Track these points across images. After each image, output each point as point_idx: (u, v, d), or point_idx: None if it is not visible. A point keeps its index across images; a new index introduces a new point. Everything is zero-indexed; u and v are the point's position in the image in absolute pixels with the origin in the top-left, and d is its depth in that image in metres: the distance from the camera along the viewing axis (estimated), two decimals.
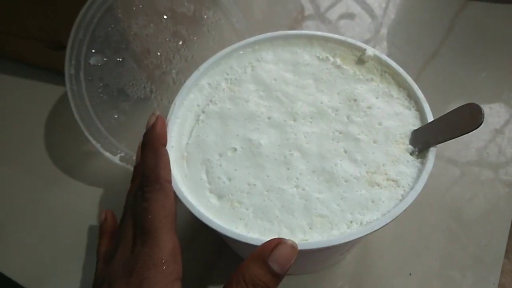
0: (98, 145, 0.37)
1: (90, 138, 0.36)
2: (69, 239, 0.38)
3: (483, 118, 0.25)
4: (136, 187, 0.29)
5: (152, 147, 0.28)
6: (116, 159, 0.37)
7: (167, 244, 0.25)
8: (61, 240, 0.39)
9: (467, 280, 0.35)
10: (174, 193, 0.27)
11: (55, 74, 0.48)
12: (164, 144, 0.29)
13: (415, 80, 0.32)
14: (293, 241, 0.23)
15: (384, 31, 0.55)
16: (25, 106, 0.48)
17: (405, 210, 0.25)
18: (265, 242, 0.24)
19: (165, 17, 0.37)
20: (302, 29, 0.56)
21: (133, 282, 0.24)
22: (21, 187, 0.42)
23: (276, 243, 0.23)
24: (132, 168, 0.38)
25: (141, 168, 0.28)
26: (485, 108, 0.46)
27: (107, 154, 0.37)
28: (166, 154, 0.28)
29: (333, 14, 0.57)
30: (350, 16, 0.57)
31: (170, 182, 0.27)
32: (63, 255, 0.38)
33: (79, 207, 0.40)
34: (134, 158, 0.38)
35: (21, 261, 0.38)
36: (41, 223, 0.40)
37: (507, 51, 0.52)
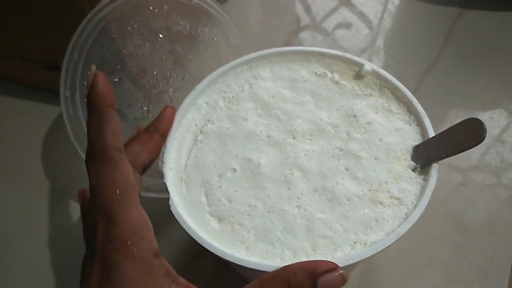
0: None
1: None
2: (69, 257, 0.38)
3: (486, 133, 0.25)
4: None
5: (95, 110, 0.24)
6: None
7: (129, 223, 0.22)
8: (61, 259, 0.38)
9: None
10: (126, 162, 0.23)
11: (51, 94, 0.48)
12: (110, 105, 0.25)
13: (414, 91, 0.31)
14: (346, 274, 0.22)
15: (380, 41, 0.55)
16: (22, 126, 0.48)
17: (409, 229, 0.25)
18: (322, 260, 0.23)
19: (160, 36, 0.37)
20: (298, 40, 0.55)
21: (103, 274, 0.21)
22: (19, 207, 0.42)
23: (331, 268, 0.22)
24: None
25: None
26: (486, 117, 0.46)
27: None
28: (114, 117, 0.24)
29: (329, 24, 0.57)
30: (346, 25, 0.57)
31: (120, 150, 0.23)
32: (64, 273, 0.37)
33: (78, 225, 0.39)
34: None
35: (21, 281, 0.37)
36: (40, 242, 0.39)
37: (505, 59, 0.52)
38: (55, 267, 0.38)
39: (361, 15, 0.58)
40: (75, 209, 0.41)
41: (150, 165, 0.29)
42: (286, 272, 0.22)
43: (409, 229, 0.25)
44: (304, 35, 0.56)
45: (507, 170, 0.42)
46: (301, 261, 0.23)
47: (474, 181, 0.41)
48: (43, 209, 0.41)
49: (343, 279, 0.22)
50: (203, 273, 0.36)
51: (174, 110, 0.30)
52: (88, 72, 0.25)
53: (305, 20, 0.58)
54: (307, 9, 0.59)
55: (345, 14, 0.58)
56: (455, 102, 0.48)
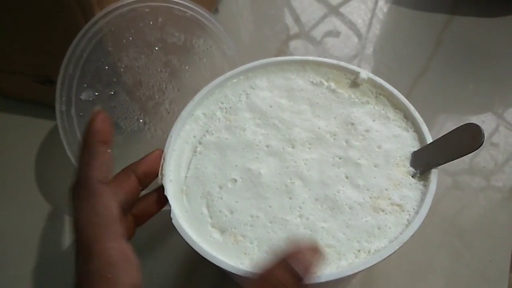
0: None
1: None
2: (67, 276, 0.37)
3: (483, 138, 0.25)
4: None
5: (86, 144, 0.25)
6: None
7: (106, 256, 0.21)
8: (59, 278, 0.37)
9: None
10: (109, 195, 0.24)
11: (43, 108, 0.47)
12: (103, 142, 0.25)
13: (406, 97, 0.32)
14: (315, 244, 0.22)
15: (370, 48, 0.55)
16: (14, 142, 0.47)
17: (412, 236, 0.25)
18: (289, 246, 0.22)
19: (156, 48, 0.37)
20: (289, 49, 0.56)
21: None
22: (14, 226, 0.41)
23: (299, 247, 0.22)
24: None
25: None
26: (477, 120, 0.47)
27: None
28: (103, 152, 0.25)
29: (318, 33, 0.58)
30: (335, 34, 0.58)
31: (103, 182, 0.24)
32: None
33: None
34: None
35: None
36: (37, 261, 0.38)
37: (494, 63, 0.53)
38: (55, 286, 0.37)
39: (350, 23, 0.59)
40: (71, 225, 0.40)
41: (130, 206, 0.28)
42: (263, 274, 0.22)
43: (411, 236, 0.25)
44: (295, 44, 0.57)
45: (500, 172, 0.43)
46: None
47: (469, 185, 0.42)
48: (37, 225, 0.40)
49: (315, 251, 0.22)
50: (204, 285, 0.36)
51: (161, 153, 0.29)
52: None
53: (294, 29, 0.58)
54: (297, 18, 0.60)
55: (334, 22, 0.59)
56: (446, 107, 0.48)
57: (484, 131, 0.45)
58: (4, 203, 0.42)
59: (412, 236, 0.25)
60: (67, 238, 0.39)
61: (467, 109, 0.49)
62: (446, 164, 0.40)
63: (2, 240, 0.40)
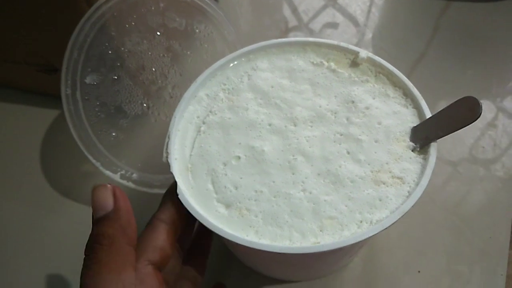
0: (98, 164, 0.36)
1: (90, 157, 0.36)
2: (72, 265, 0.37)
3: (481, 110, 0.26)
4: None
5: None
6: (116, 177, 0.37)
7: None
8: (63, 267, 0.38)
9: (475, 273, 0.36)
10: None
11: (46, 97, 0.48)
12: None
13: None
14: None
15: (369, 35, 0.56)
16: (18, 132, 0.47)
17: (413, 206, 0.26)
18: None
19: (158, 33, 0.38)
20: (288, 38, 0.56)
21: None
22: (19, 215, 0.41)
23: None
24: (133, 185, 0.37)
25: None
26: None
27: (108, 172, 0.36)
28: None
29: (316, 25, 0.58)
30: (333, 25, 0.58)
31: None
32: (66, 281, 0.37)
33: (81, 230, 0.39)
34: (135, 175, 0.38)
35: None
36: (42, 250, 0.39)
37: (490, 48, 0.53)
38: (59, 274, 0.37)
39: (349, 12, 0.59)
40: (79, 212, 0.40)
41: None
42: None
43: (412, 206, 0.26)
44: (294, 34, 0.57)
45: (500, 154, 0.43)
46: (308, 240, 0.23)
47: (469, 166, 0.42)
48: (45, 215, 0.41)
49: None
50: (209, 266, 0.37)
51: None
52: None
53: (293, 20, 0.59)
54: (295, 9, 0.60)
55: (332, 13, 0.59)
56: (445, 91, 0.49)
57: (484, 113, 0.46)
58: (11, 190, 0.43)
59: (410, 213, 0.26)
60: (74, 224, 0.40)
61: (465, 93, 0.48)
62: (448, 145, 0.41)
63: (8, 228, 0.40)
